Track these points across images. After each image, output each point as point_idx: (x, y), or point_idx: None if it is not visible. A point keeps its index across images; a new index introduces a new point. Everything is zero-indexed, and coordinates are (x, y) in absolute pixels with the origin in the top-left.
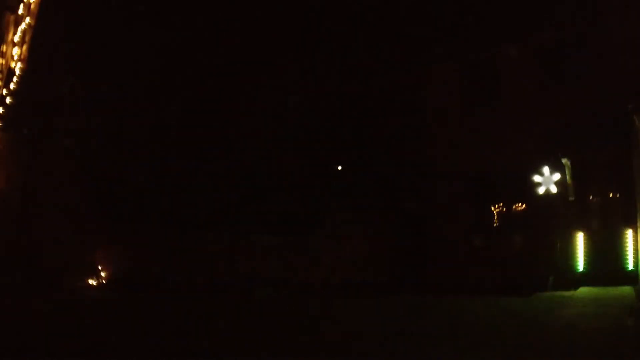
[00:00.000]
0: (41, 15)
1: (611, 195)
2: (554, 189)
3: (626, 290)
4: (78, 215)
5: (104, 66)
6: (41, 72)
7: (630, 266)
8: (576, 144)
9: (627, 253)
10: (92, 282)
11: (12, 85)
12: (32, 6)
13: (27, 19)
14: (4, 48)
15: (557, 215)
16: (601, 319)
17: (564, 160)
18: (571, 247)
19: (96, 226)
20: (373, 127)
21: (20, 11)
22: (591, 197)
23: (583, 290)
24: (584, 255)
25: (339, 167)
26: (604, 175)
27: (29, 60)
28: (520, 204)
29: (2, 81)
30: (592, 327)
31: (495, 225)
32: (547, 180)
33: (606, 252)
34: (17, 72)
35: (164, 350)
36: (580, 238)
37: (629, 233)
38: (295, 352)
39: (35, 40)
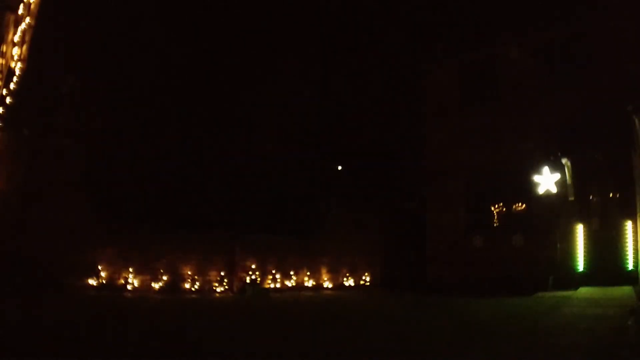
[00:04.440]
0: (41, 15)
1: (611, 195)
2: (554, 189)
3: (626, 290)
4: (78, 215)
5: (104, 66)
6: (41, 72)
7: (630, 266)
8: (576, 144)
9: (627, 253)
10: (92, 282)
11: (12, 85)
12: (32, 6)
13: (27, 19)
14: (4, 48)
15: (557, 215)
16: (601, 319)
17: (564, 160)
18: (571, 247)
19: (97, 226)
20: (372, 127)
21: (20, 11)
22: (591, 197)
23: (583, 290)
24: (584, 256)
25: (339, 167)
26: (604, 175)
27: (29, 60)
28: (520, 204)
29: (2, 81)
30: (592, 327)
31: (495, 225)
32: (547, 180)
33: (606, 252)
34: (17, 72)
35: (164, 351)
36: (580, 238)
37: (629, 233)
38: (294, 352)
39: (35, 40)
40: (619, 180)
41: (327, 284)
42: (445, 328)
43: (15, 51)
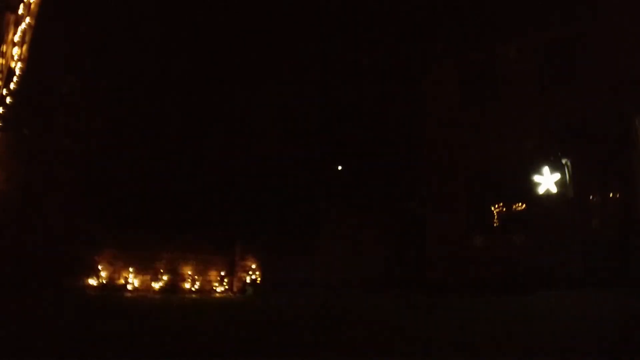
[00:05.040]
0: (41, 15)
1: (611, 195)
2: (554, 189)
3: (626, 290)
4: (78, 215)
5: (104, 66)
6: (41, 72)
7: (631, 266)
8: (576, 144)
9: (627, 253)
10: (92, 282)
11: (12, 85)
12: (32, 6)
13: (27, 19)
14: (4, 48)
15: (557, 215)
16: (601, 319)
17: (564, 160)
18: (571, 247)
19: (96, 226)
20: (372, 127)
21: (20, 11)
22: (591, 197)
23: (583, 290)
24: (584, 256)
25: (339, 167)
26: (604, 175)
27: (29, 60)
28: (520, 204)
29: (2, 81)
30: (592, 328)
31: (495, 225)
32: (547, 180)
33: (606, 252)
34: (17, 72)
35: (164, 351)
36: (580, 238)
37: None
38: (294, 352)
39: (35, 40)
40: (619, 180)
41: (327, 284)
42: (445, 328)
43: (15, 51)
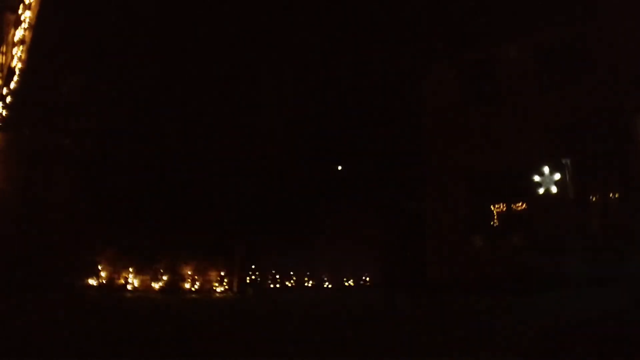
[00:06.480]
0: (41, 15)
1: (611, 195)
2: (554, 189)
3: (626, 289)
4: (78, 215)
5: (104, 66)
6: (41, 72)
7: (630, 265)
8: (576, 144)
9: (627, 252)
10: (92, 282)
11: (12, 85)
12: (32, 6)
13: (27, 19)
14: (4, 48)
15: (557, 215)
16: (601, 319)
17: (564, 160)
18: (570, 246)
19: (96, 226)
20: (372, 127)
21: (20, 11)
22: (591, 197)
23: (583, 290)
24: (584, 255)
25: (339, 168)
26: (604, 175)
27: (29, 60)
28: (520, 204)
29: (2, 80)
30: (592, 326)
31: (495, 225)
32: (547, 180)
33: (606, 252)
34: (17, 72)
35: (164, 351)
36: (580, 238)
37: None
38: (294, 352)
39: (35, 40)
40: (619, 180)
41: (327, 284)
42: (444, 328)
43: (15, 51)
